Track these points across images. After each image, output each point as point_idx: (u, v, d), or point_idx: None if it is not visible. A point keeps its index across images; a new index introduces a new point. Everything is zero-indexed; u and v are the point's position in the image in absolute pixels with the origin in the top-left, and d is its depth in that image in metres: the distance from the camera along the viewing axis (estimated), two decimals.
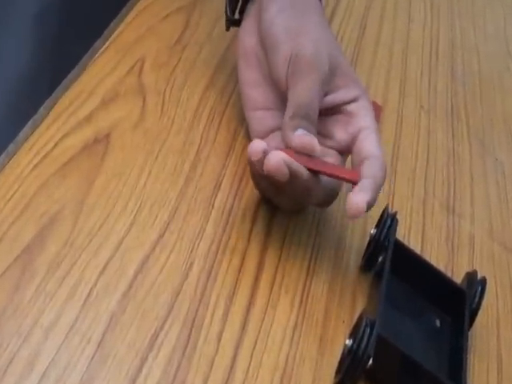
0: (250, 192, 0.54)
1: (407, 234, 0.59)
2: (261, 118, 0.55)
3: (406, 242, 0.55)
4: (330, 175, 0.49)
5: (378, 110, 0.69)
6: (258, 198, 0.54)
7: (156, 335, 0.42)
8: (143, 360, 0.41)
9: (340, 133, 0.53)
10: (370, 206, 0.47)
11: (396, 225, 0.54)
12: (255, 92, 0.55)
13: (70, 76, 0.55)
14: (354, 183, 0.48)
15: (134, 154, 0.51)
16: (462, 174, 0.69)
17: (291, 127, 0.49)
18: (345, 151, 0.52)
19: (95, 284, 0.43)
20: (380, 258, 0.52)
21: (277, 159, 0.46)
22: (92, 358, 0.40)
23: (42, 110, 0.51)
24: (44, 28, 0.67)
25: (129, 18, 0.61)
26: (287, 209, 0.53)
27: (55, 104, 0.51)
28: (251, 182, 0.54)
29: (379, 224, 0.53)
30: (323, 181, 0.49)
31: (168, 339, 0.43)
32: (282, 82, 0.52)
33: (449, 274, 0.56)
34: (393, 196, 0.62)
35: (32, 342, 0.39)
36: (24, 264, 0.42)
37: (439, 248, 0.60)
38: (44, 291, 0.41)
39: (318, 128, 0.51)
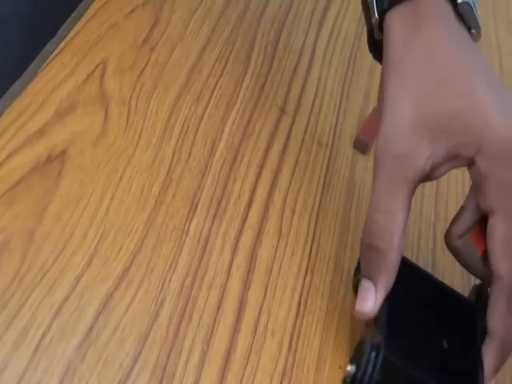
0: (229, 217, 0.55)
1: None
2: None
3: None
4: None
5: None
6: (239, 225, 0.55)
7: None
8: None
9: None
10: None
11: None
12: None
13: (17, 83, 0.55)
14: None
15: (95, 174, 0.52)
16: None
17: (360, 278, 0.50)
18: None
19: (49, 327, 0.44)
20: None
21: None
22: None
23: None
24: None
25: (87, 15, 0.62)
26: None
27: (0, 116, 0.52)
28: (231, 206, 0.55)
29: None
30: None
31: None
32: None
33: None
34: None
35: None
36: None
37: (453, 278, 0.61)
38: None
39: None
